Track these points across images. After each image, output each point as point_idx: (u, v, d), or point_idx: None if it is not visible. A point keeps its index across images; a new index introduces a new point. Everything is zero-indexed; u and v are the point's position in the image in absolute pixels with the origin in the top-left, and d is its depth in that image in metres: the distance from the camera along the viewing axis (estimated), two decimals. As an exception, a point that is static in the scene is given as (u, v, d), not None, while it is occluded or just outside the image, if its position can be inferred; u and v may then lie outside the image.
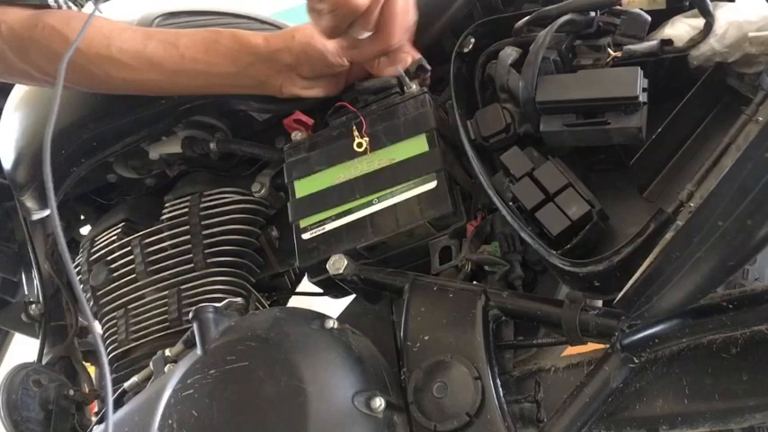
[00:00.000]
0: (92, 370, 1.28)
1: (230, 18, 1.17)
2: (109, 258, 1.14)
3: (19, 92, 1.20)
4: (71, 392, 1.16)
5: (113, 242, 1.15)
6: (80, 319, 1.25)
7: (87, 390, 1.19)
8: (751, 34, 0.78)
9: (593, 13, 0.85)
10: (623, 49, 0.83)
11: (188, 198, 1.13)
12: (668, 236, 0.67)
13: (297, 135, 1.02)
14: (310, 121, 1.03)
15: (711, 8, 0.79)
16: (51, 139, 1.12)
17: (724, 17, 0.80)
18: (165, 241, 1.11)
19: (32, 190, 1.15)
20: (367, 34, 0.92)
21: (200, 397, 0.83)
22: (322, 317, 0.89)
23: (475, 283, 0.90)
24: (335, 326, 0.88)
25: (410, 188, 0.91)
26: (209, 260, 1.09)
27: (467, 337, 0.82)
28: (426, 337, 0.84)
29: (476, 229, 0.89)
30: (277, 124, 1.08)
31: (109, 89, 1.05)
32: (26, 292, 1.36)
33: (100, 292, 1.14)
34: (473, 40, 0.94)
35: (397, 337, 0.89)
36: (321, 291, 1.02)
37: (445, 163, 0.91)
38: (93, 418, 1.18)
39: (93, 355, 1.30)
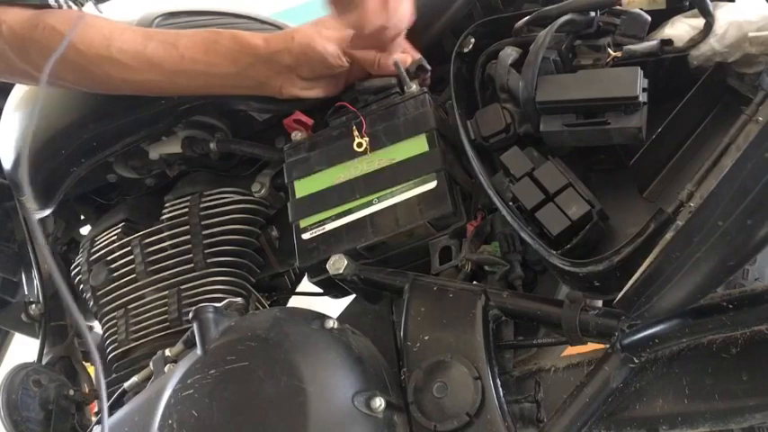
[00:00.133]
0: (92, 370, 1.28)
1: (230, 18, 1.17)
2: (109, 258, 1.14)
3: (19, 92, 1.20)
4: (71, 392, 1.16)
5: (113, 242, 1.15)
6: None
7: (87, 390, 1.19)
8: (751, 34, 0.78)
9: (593, 13, 0.85)
10: (623, 49, 0.83)
11: (188, 198, 1.13)
12: (668, 236, 0.67)
13: (297, 135, 1.02)
14: (310, 121, 1.03)
15: (711, 8, 0.79)
16: (51, 140, 1.13)
17: (724, 17, 0.80)
18: (165, 241, 1.11)
19: (32, 190, 1.15)
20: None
21: (200, 397, 0.83)
22: (322, 317, 0.89)
23: (475, 283, 0.90)
24: (335, 326, 0.88)
25: (410, 188, 0.91)
26: (209, 260, 1.09)
27: (467, 337, 0.82)
28: (426, 337, 0.84)
29: (476, 229, 0.89)
30: (277, 124, 1.08)
31: (109, 90, 1.05)
32: (26, 292, 1.36)
33: (100, 292, 1.14)
34: (473, 40, 0.94)
35: (397, 337, 0.89)
36: (321, 291, 1.02)
37: (445, 163, 0.91)
38: (93, 418, 1.18)
39: (93, 355, 1.30)
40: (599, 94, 0.80)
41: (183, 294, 1.08)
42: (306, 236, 0.95)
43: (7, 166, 1.17)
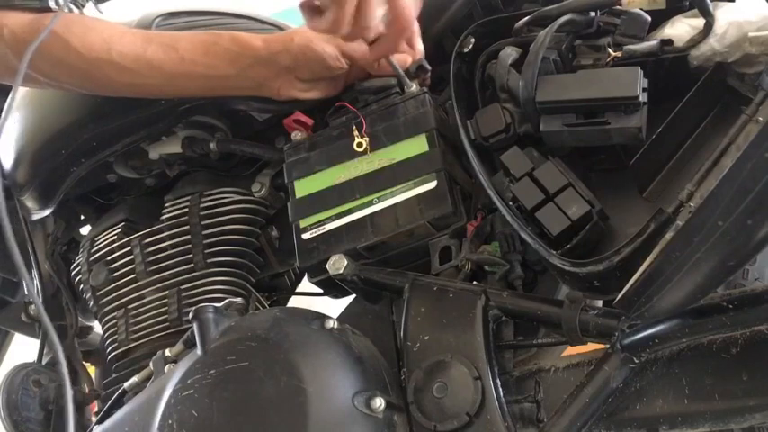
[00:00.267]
0: (92, 370, 1.28)
1: (230, 18, 1.17)
2: (109, 258, 1.14)
3: (19, 92, 1.20)
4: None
5: (113, 242, 1.15)
6: (80, 319, 1.25)
7: (87, 390, 1.19)
8: (751, 34, 0.78)
9: (593, 13, 0.85)
10: (623, 49, 0.83)
11: (188, 198, 1.13)
12: (668, 236, 0.67)
13: (297, 135, 1.02)
14: (310, 122, 1.03)
15: (711, 8, 0.79)
16: (51, 140, 1.13)
17: (724, 17, 0.80)
18: (165, 241, 1.11)
19: (32, 190, 1.15)
20: (376, 20, 0.88)
21: (200, 397, 0.83)
22: (322, 317, 0.89)
23: (475, 283, 0.90)
24: (335, 326, 0.88)
25: (410, 188, 0.91)
26: (209, 260, 1.09)
27: (467, 337, 0.82)
28: (426, 337, 0.84)
29: (476, 229, 0.89)
30: (277, 124, 1.08)
31: (110, 92, 1.05)
32: (26, 292, 1.36)
33: (100, 292, 1.14)
34: (473, 40, 0.94)
35: (397, 337, 0.89)
36: (321, 291, 1.02)
37: (445, 163, 0.91)
38: (94, 418, 1.18)
39: (93, 355, 1.30)
40: (599, 94, 0.80)
41: (183, 294, 1.08)
42: (306, 236, 0.95)
43: (7, 166, 1.17)
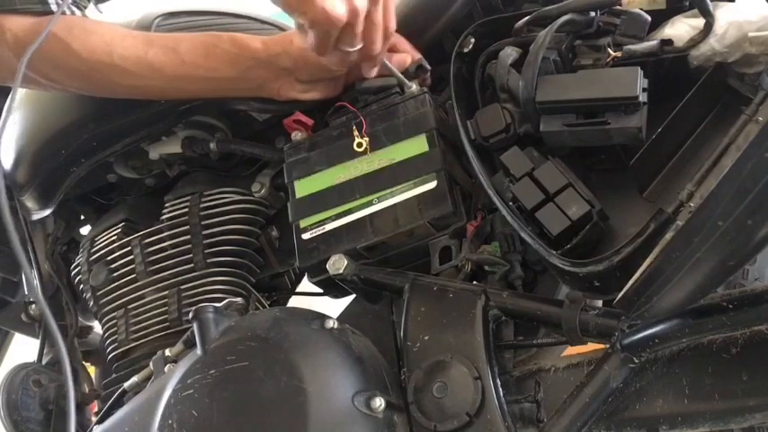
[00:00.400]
0: (92, 370, 1.28)
1: (230, 18, 1.17)
2: (109, 258, 1.14)
3: (19, 92, 1.20)
4: (71, 392, 1.16)
5: (113, 242, 1.15)
6: (80, 319, 1.25)
7: (87, 390, 1.19)
8: (751, 34, 0.78)
9: (593, 13, 0.85)
10: (623, 49, 0.83)
11: (188, 198, 1.13)
12: (668, 236, 0.67)
13: (297, 135, 1.02)
14: (310, 122, 1.03)
15: (711, 8, 0.79)
16: (51, 140, 1.13)
17: (724, 17, 0.80)
18: (165, 241, 1.11)
19: (32, 190, 1.15)
20: (357, 47, 0.90)
21: (201, 397, 0.83)
22: (322, 317, 0.89)
23: (475, 283, 0.90)
24: (335, 326, 0.88)
25: (410, 188, 0.91)
26: (209, 260, 1.09)
27: (467, 337, 0.82)
28: (426, 337, 0.84)
29: (476, 229, 0.89)
30: (277, 124, 1.08)
31: (111, 94, 1.05)
32: (26, 292, 1.36)
33: (100, 292, 1.14)
34: (473, 40, 0.94)
35: (397, 337, 0.89)
36: (321, 291, 1.02)
37: (445, 163, 0.91)
38: (94, 418, 1.18)
39: (93, 355, 1.30)
40: (599, 94, 0.80)
41: (183, 294, 1.08)
42: (306, 236, 0.95)
43: (7, 166, 1.17)
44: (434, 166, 0.91)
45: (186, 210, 1.12)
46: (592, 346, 0.81)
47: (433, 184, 0.90)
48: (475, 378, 0.79)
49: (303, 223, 0.96)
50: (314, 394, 0.79)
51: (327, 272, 0.90)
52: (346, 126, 0.98)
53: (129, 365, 1.08)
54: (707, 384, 0.74)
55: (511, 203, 0.85)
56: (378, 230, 0.91)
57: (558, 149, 0.87)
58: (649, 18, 0.84)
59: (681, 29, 0.83)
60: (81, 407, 1.18)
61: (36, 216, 1.19)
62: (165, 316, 1.08)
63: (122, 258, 1.13)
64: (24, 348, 1.42)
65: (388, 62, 0.97)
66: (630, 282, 0.71)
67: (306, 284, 1.15)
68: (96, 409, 1.22)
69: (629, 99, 0.78)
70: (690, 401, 0.75)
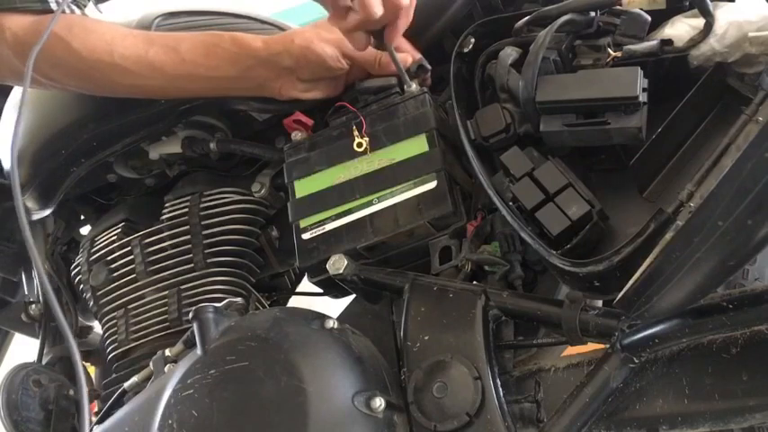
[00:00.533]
0: (92, 370, 1.28)
1: (230, 18, 1.17)
2: (109, 258, 1.14)
3: (19, 92, 1.20)
4: (71, 392, 1.16)
5: (113, 242, 1.15)
6: (80, 319, 1.25)
7: (87, 390, 1.19)
8: (751, 34, 0.78)
9: (593, 13, 0.85)
10: (623, 49, 0.83)
11: (188, 198, 1.13)
12: (668, 236, 0.67)
13: (297, 135, 1.02)
14: (310, 122, 1.03)
15: (711, 8, 0.79)
16: (51, 140, 1.13)
17: (724, 17, 0.80)
18: (165, 241, 1.11)
19: (32, 190, 1.15)
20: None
21: (201, 397, 0.83)
22: (322, 317, 0.89)
23: (475, 283, 0.90)
24: (335, 326, 0.88)
25: (410, 188, 0.91)
26: (209, 260, 1.09)
27: (467, 337, 0.82)
28: (426, 337, 0.84)
29: (476, 229, 0.89)
30: (277, 124, 1.08)
31: (111, 93, 1.05)
32: (26, 292, 1.36)
33: (100, 292, 1.14)
34: (473, 40, 0.94)
35: (397, 337, 0.89)
36: (321, 291, 1.02)
37: (445, 163, 0.91)
38: (94, 418, 1.18)
39: (93, 355, 1.30)
40: (599, 94, 0.80)
41: (183, 294, 1.08)
42: (306, 236, 0.95)
43: (7, 166, 1.17)
44: (434, 166, 0.91)
45: (186, 210, 1.12)
46: (592, 346, 0.81)
47: (432, 184, 0.90)
48: (475, 378, 0.79)
49: (303, 223, 0.96)
50: (314, 394, 0.79)
51: (327, 272, 0.90)
52: (346, 126, 0.98)
53: (129, 365, 1.08)
54: (707, 384, 0.74)
55: (511, 203, 0.85)
56: (378, 230, 0.91)
57: (558, 149, 0.87)
58: (649, 18, 0.84)
59: (681, 29, 0.83)
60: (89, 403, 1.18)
61: (36, 216, 1.19)
62: (165, 316, 1.08)
63: (122, 258, 1.13)
64: (24, 348, 1.42)
65: (392, 49, 0.96)
66: (630, 282, 0.71)
67: (306, 284, 1.15)
68: (96, 409, 1.22)
69: (629, 99, 0.78)
70: (690, 401, 0.75)
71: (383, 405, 0.79)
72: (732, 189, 0.58)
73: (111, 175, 1.21)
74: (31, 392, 1.13)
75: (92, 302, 1.16)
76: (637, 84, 0.78)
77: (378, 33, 0.94)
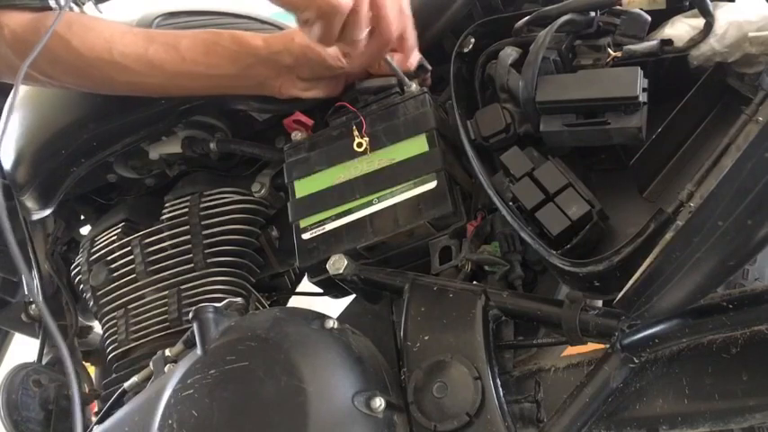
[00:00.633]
0: (92, 370, 1.28)
1: (230, 18, 1.17)
2: (109, 258, 1.14)
3: (19, 92, 1.20)
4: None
5: (113, 242, 1.15)
6: (80, 319, 1.25)
7: (87, 390, 1.19)
8: (751, 34, 0.78)
9: (593, 13, 0.85)
10: (623, 49, 0.83)
11: (188, 198, 1.13)
12: (668, 236, 0.67)
13: (297, 135, 1.02)
14: (310, 122, 1.03)
15: (711, 8, 0.79)
16: (51, 140, 1.13)
17: (724, 17, 0.80)
18: (165, 241, 1.11)
19: (32, 190, 1.15)
20: (363, 33, 0.90)
21: (201, 397, 0.83)
22: (322, 317, 0.89)
23: (475, 283, 0.90)
24: (335, 326, 0.88)
25: (410, 188, 0.91)
26: (209, 260, 1.09)
27: (467, 337, 0.82)
28: (426, 337, 0.84)
29: (476, 229, 0.89)
30: (277, 124, 1.08)
31: (110, 91, 1.05)
32: (26, 292, 1.36)
33: (100, 292, 1.14)
34: (473, 40, 0.94)
35: (397, 337, 0.89)
36: (321, 291, 1.02)
37: (445, 163, 0.91)
38: (94, 418, 1.18)
39: (93, 355, 1.30)
40: (599, 94, 0.80)
41: (183, 294, 1.08)
42: (306, 236, 0.95)
43: (7, 166, 1.17)
44: (434, 166, 0.91)
45: (186, 210, 1.12)
46: (592, 346, 0.81)
47: (432, 184, 0.90)
48: (475, 378, 0.79)
49: (303, 223, 0.96)
50: (314, 394, 0.79)
51: (327, 272, 0.90)
52: (346, 126, 0.98)
53: (129, 365, 1.08)
54: (707, 384, 0.74)
55: (511, 203, 0.85)
56: (378, 230, 0.91)
57: (558, 149, 0.87)
58: (649, 18, 0.84)
59: (681, 29, 0.83)
60: (81, 407, 1.18)
61: (36, 216, 1.19)
62: (165, 316, 1.08)
63: (122, 258, 1.13)
64: (24, 348, 1.42)
65: (389, 58, 0.96)
66: (630, 282, 0.71)
67: (306, 284, 1.15)
68: (96, 409, 1.22)
69: (629, 99, 0.78)
70: (690, 401, 0.75)
71: (383, 405, 0.79)
72: (732, 189, 0.58)
73: (111, 175, 1.21)
74: (31, 392, 1.13)
75: (92, 302, 1.16)
76: (637, 84, 0.78)
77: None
